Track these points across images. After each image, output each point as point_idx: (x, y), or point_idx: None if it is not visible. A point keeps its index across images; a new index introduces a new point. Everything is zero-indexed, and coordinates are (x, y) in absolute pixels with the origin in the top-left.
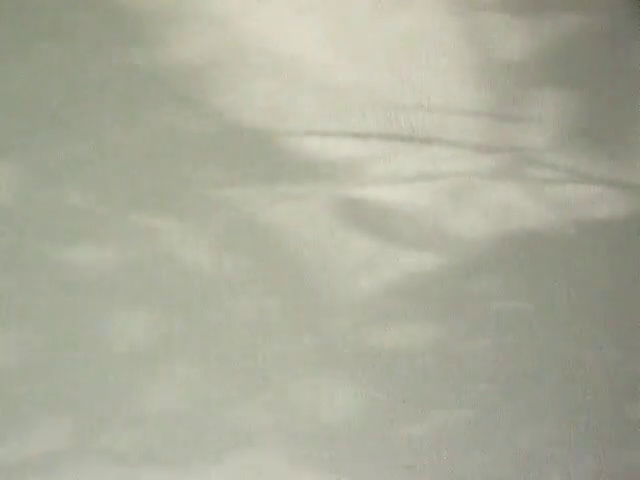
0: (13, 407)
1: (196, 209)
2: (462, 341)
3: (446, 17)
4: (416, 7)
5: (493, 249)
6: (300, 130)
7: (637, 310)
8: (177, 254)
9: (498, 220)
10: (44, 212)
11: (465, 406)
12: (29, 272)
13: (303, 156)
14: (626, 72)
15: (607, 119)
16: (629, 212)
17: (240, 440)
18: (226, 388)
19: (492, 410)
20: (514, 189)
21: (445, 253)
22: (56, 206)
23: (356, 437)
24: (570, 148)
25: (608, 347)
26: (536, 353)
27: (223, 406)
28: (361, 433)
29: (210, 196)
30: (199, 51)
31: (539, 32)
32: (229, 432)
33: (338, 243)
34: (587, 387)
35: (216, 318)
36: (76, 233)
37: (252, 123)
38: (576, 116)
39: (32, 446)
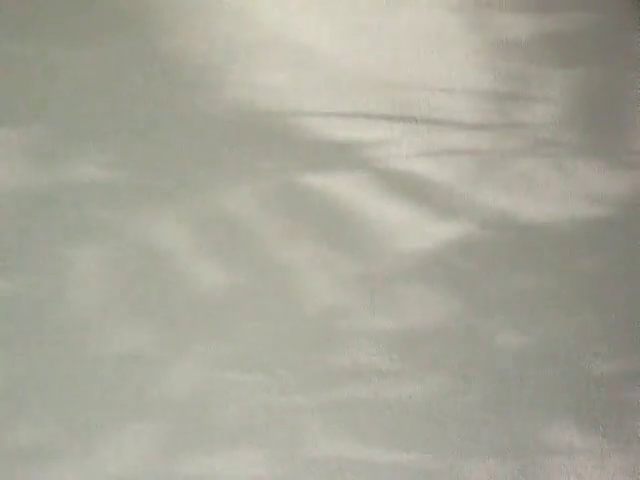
0: (18, 400)
1: (219, 183)
2: (476, 315)
3: (453, 7)
4: None
5: (510, 219)
6: (317, 112)
7: None
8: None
9: (514, 192)
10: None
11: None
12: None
13: (325, 136)
14: (627, 55)
15: (609, 98)
16: (635, 188)
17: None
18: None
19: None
20: (528, 164)
21: (467, 222)
22: (67, 192)
23: None
24: (577, 125)
25: (613, 343)
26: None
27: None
28: None
29: (251, 169)
30: (215, 41)
31: (545, 17)
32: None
33: (370, 211)
34: (591, 383)
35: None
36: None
37: (267, 108)
38: (581, 96)
39: (40, 436)
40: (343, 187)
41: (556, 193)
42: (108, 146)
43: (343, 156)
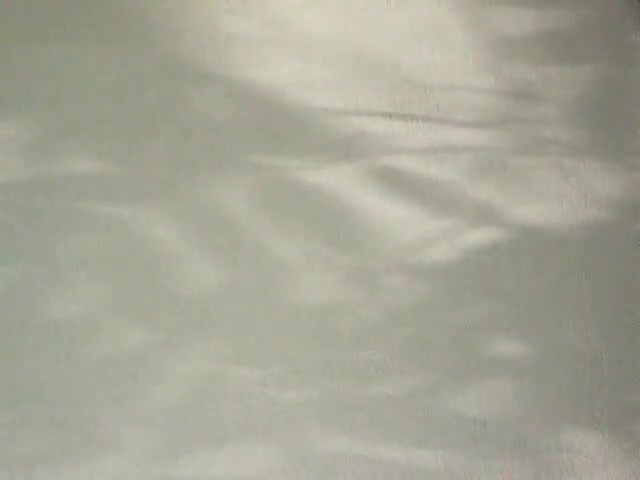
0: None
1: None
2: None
3: (454, 4)
4: None
5: (509, 218)
6: (316, 109)
7: None
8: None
9: (513, 191)
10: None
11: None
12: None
13: (325, 132)
14: (628, 54)
15: (610, 98)
16: (635, 190)
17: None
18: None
19: (499, 405)
20: (528, 163)
21: (466, 220)
22: (70, 190)
23: None
24: (577, 125)
25: (616, 340)
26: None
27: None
28: None
29: (248, 164)
30: (216, 36)
31: (546, 15)
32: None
33: (370, 208)
34: (594, 381)
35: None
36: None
37: (267, 104)
38: (582, 95)
39: (30, 443)
40: (342, 183)
41: (556, 193)
42: (106, 141)
43: (342, 153)
